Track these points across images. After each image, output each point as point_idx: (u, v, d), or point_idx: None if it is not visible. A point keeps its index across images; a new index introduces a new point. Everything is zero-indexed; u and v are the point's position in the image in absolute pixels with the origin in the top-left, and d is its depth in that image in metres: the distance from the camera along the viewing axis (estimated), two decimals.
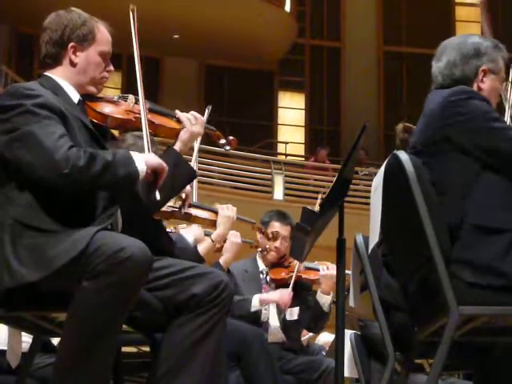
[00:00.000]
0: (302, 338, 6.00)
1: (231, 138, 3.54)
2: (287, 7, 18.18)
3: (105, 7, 13.04)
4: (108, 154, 2.79)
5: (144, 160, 2.82)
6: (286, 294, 5.12)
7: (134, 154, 2.83)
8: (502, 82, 3.07)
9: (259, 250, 5.27)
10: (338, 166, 15.99)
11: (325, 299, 5.18)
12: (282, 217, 5.38)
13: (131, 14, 3.20)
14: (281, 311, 5.18)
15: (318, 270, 5.24)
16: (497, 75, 3.02)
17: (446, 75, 3.00)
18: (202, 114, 3.36)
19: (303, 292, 5.32)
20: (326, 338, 8.34)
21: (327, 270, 5.13)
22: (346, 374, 3.89)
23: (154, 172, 2.85)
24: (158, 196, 2.85)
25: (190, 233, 4.43)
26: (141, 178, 2.81)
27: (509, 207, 2.73)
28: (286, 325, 5.22)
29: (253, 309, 5.06)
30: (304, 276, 5.27)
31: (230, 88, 19.35)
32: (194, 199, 4.61)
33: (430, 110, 2.92)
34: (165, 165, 2.89)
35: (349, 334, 4.25)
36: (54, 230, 2.71)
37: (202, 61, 19.15)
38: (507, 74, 3.11)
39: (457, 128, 2.80)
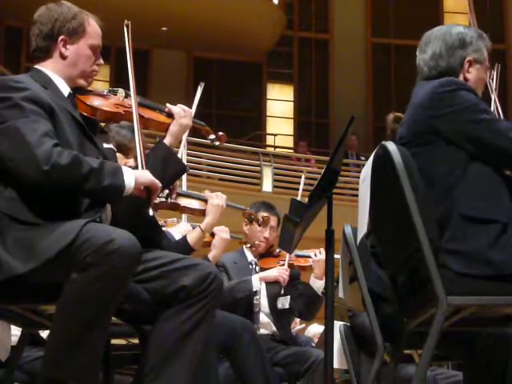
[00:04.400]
0: (291, 330, 6.03)
1: (221, 133, 3.56)
2: None
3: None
4: (95, 161, 2.76)
5: (134, 176, 2.81)
6: (283, 271, 5.20)
7: (125, 168, 2.81)
8: (487, 72, 3.08)
9: (248, 245, 5.33)
10: (322, 158, 16.02)
11: (318, 284, 5.24)
12: (269, 207, 5.45)
13: (125, 28, 3.21)
14: (273, 300, 5.22)
15: (308, 257, 5.33)
16: (482, 65, 3.03)
17: (432, 66, 3.01)
18: (190, 107, 3.37)
19: (293, 281, 5.37)
20: (315, 329, 8.36)
21: (319, 254, 5.19)
22: (336, 365, 3.91)
23: (147, 188, 2.85)
24: (150, 212, 2.87)
25: (177, 230, 4.43)
26: (127, 193, 2.78)
27: (495, 198, 2.74)
28: (277, 314, 5.24)
29: (254, 288, 5.13)
30: (296, 263, 5.35)
31: (219, 80, 19.30)
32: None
33: (417, 101, 2.91)
34: (157, 182, 2.88)
35: (338, 325, 4.27)
36: (39, 223, 2.69)
37: (190, 53, 19.11)
38: (491, 63, 3.12)
39: (445, 120, 2.80)
